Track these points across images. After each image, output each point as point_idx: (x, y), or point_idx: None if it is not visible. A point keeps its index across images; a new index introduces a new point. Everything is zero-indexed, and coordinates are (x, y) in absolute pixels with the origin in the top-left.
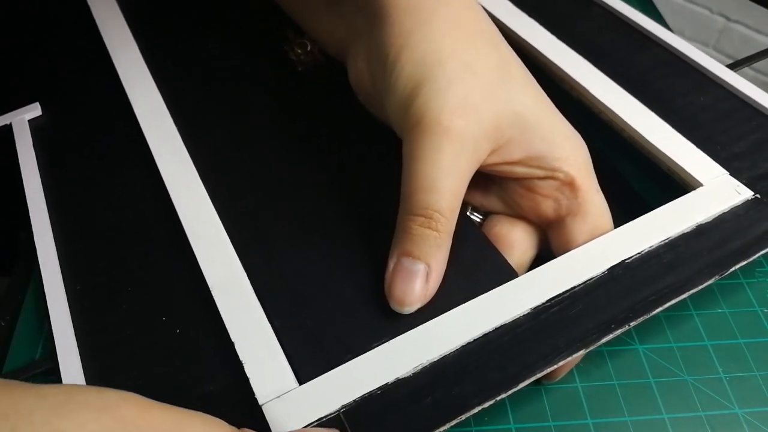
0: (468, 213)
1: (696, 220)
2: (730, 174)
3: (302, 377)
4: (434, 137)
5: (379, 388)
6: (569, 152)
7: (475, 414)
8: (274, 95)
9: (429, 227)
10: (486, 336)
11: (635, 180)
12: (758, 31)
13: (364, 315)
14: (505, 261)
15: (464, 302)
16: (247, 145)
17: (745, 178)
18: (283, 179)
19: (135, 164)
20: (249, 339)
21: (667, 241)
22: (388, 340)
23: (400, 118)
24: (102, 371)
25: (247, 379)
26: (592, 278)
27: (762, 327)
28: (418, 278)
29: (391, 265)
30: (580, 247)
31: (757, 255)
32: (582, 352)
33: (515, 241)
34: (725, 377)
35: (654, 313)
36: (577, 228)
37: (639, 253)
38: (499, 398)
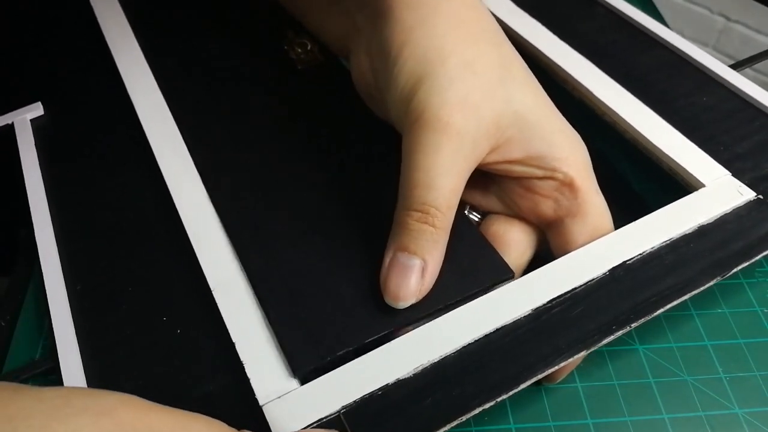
0: (466, 212)
1: (698, 221)
2: (733, 175)
3: (303, 378)
4: (434, 133)
5: (379, 389)
6: (569, 152)
7: (475, 414)
8: (274, 95)
9: (426, 222)
10: (487, 337)
11: (637, 180)
12: (758, 31)
13: (365, 315)
14: (502, 259)
15: (462, 301)
16: (247, 145)
17: (748, 178)
18: (283, 179)
19: (136, 164)
20: (249, 339)
21: (668, 242)
22: (388, 340)
23: (401, 113)
24: (102, 371)
25: (247, 380)
26: (593, 279)
27: (762, 327)
28: (413, 273)
29: (387, 259)
30: (582, 248)
31: (759, 256)
32: (583, 354)
33: (513, 240)
34: (725, 377)
35: (655, 314)
36: (577, 229)
37: (640, 254)
38: (499, 399)
